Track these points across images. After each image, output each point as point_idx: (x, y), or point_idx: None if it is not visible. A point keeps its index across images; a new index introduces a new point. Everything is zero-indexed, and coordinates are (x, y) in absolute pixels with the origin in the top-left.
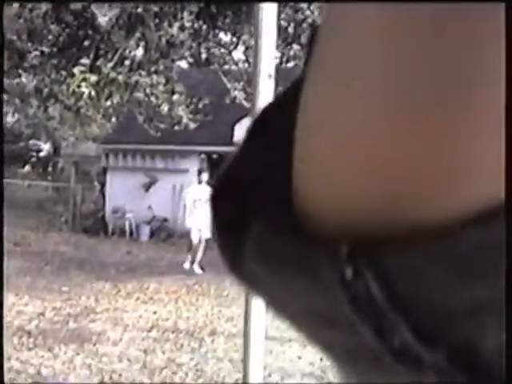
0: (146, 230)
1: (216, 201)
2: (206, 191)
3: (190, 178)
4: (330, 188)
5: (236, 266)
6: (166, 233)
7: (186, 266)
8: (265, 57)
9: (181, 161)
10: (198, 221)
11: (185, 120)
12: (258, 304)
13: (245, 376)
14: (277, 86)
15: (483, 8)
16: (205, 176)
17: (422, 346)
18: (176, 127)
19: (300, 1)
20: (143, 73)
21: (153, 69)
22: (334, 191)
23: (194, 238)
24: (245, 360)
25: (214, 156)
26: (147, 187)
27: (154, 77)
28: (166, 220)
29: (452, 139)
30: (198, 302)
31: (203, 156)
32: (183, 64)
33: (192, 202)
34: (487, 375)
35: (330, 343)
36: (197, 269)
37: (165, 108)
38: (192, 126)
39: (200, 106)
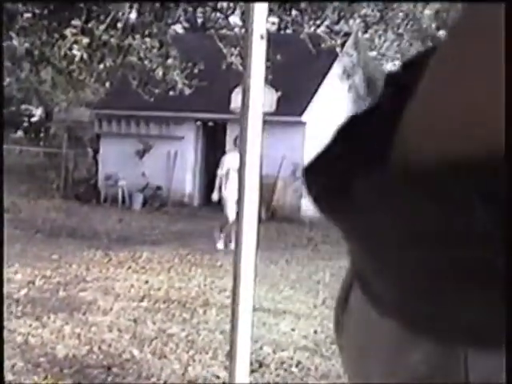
0: (138, 198)
1: (312, 173)
2: (237, 160)
3: (185, 145)
4: (437, 135)
5: (342, 212)
6: (160, 201)
7: (220, 245)
8: (257, 18)
9: (176, 128)
10: (234, 193)
11: (180, 85)
12: (248, 276)
13: (232, 347)
14: (268, 48)
15: None
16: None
17: None
18: (171, 93)
19: (297, 0)
20: (137, 36)
21: (146, 32)
22: (441, 134)
23: (231, 213)
24: (232, 331)
25: (210, 123)
26: (141, 154)
27: (148, 40)
28: (159, 188)
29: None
30: (190, 273)
31: (199, 123)
32: (179, 29)
33: (226, 171)
34: None
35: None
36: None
37: (159, 72)
38: (187, 91)
39: (195, 71)
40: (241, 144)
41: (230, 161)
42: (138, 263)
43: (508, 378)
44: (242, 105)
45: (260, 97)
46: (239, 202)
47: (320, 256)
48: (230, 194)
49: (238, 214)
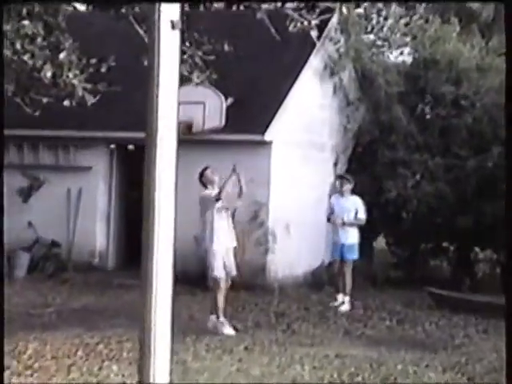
0: (23, 261)
1: None
2: (232, 199)
3: (93, 179)
4: None
5: None
6: (56, 264)
7: (211, 324)
8: None
9: (79, 154)
10: (225, 247)
11: (79, 92)
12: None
13: None
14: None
15: None
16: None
17: None
18: (66, 103)
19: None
20: (10, 18)
21: (24, 10)
22: None
23: (221, 275)
24: None
25: (130, 147)
26: (26, 194)
27: (27, 23)
28: (55, 245)
29: None
30: (102, 372)
31: (112, 146)
32: (78, 5)
33: (217, 215)
34: None
35: None
36: (228, 329)
37: (47, 73)
38: (91, 100)
39: (102, 69)
40: (147, 178)
41: (207, 198)
42: (21, 360)
43: (508, 377)
44: (146, 124)
45: (173, 110)
46: (145, 261)
47: (296, 340)
48: (219, 247)
49: (144, 280)
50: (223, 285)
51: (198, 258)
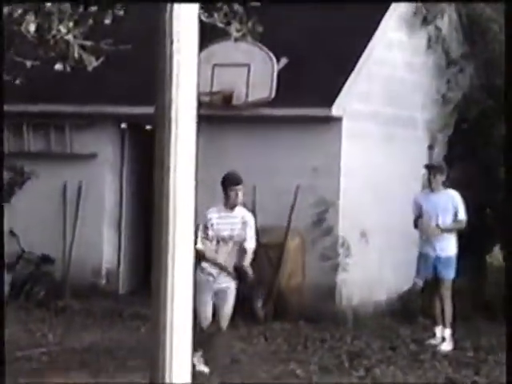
0: (3, 282)
1: None
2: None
3: (98, 170)
4: None
5: None
6: (47, 286)
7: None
8: None
9: (79, 136)
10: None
11: (75, 52)
12: None
13: None
14: None
15: None
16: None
17: None
18: (58, 66)
19: None
20: None
21: None
22: None
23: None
24: None
25: (148, 126)
26: (7, 192)
27: None
28: (47, 260)
29: None
30: None
31: (124, 126)
32: None
33: (215, 227)
34: None
35: None
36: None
37: (30, 26)
38: (94, 63)
39: (107, 20)
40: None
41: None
42: None
43: (508, 377)
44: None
45: (193, 75)
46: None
47: None
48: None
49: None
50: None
51: None
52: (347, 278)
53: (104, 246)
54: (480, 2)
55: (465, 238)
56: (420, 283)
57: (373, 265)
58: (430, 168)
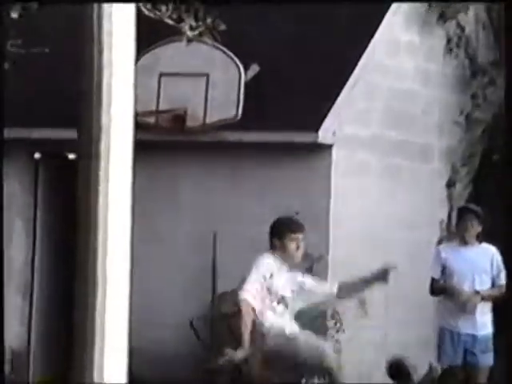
0: None
1: None
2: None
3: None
4: None
5: None
6: None
7: None
8: None
9: None
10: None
11: None
12: None
13: None
14: None
15: None
16: None
17: None
18: None
19: None
20: None
21: None
22: None
23: None
24: None
25: (71, 156)
26: None
27: None
28: None
29: None
30: None
31: (38, 156)
32: None
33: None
34: None
35: None
36: None
37: None
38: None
39: (13, 14)
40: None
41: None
42: None
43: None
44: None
45: (129, 89)
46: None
47: None
48: None
49: None
50: None
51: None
52: (339, 360)
53: (9, 322)
54: (478, 2)
55: (497, 307)
56: (438, 369)
57: (373, 342)
58: (465, 212)
